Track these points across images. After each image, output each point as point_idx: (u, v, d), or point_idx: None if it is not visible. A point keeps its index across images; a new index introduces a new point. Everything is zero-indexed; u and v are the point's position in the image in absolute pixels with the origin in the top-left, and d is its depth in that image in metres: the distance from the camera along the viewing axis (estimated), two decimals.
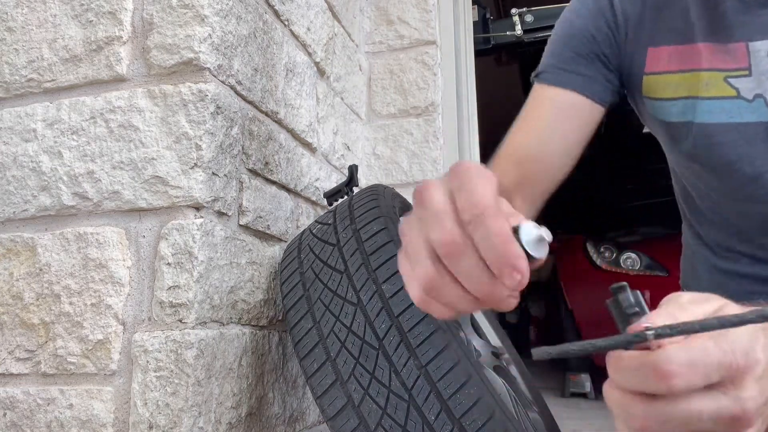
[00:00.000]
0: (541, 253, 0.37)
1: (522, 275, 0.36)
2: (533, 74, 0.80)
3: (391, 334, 0.60)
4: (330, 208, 0.87)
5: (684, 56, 0.71)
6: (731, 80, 0.68)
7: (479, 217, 0.36)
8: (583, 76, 0.76)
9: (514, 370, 0.97)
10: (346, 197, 0.94)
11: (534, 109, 0.79)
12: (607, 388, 0.37)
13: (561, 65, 0.77)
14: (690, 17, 0.70)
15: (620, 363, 0.36)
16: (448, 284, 0.38)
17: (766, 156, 0.67)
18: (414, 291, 0.39)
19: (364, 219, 0.72)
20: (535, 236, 0.37)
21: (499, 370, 0.86)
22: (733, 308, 0.37)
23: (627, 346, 0.35)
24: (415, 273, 0.38)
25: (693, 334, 0.35)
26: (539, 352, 0.37)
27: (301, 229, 0.92)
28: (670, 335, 0.34)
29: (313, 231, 0.78)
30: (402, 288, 0.62)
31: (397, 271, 0.63)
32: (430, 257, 0.38)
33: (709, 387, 0.34)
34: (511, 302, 0.38)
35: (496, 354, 0.94)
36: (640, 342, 0.35)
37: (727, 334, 0.35)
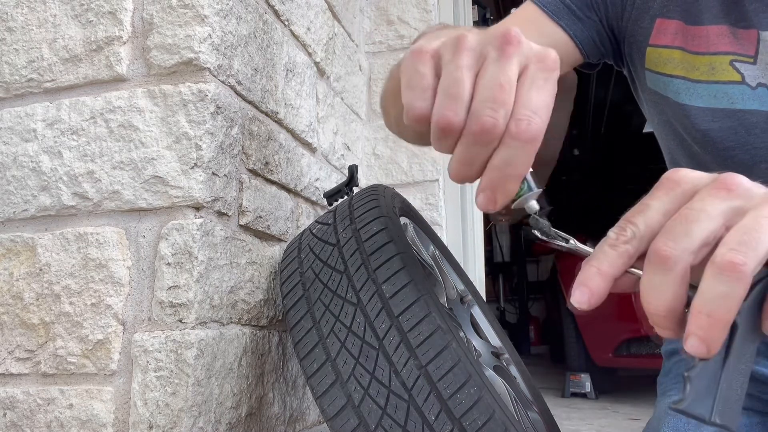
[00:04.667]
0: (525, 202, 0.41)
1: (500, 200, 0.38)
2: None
3: (391, 334, 0.60)
4: (330, 208, 0.87)
5: (688, 37, 0.69)
6: (737, 64, 0.66)
7: (528, 135, 0.36)
8: (578, 18, 0.74)
9: (514, 370, 0.97)
10: (346, 197, 0.94)
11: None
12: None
13: None
14: None
15: None
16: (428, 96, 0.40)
17: (765, 146, 0.66)
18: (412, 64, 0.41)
19: (364, 219, 0.72)
20: (534, 199, 0.41)
21: (499, 370, 0.86)
22: None
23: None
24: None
25: None
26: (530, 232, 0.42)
27: (301, 229, 0.92)
28: None
29: (313, 231, 0.78)
30: (402, 288, 0.62)
31: (398, 271, 0.63)
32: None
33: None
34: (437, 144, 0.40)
35: (496, 354, 0.94)
36: None
37: None
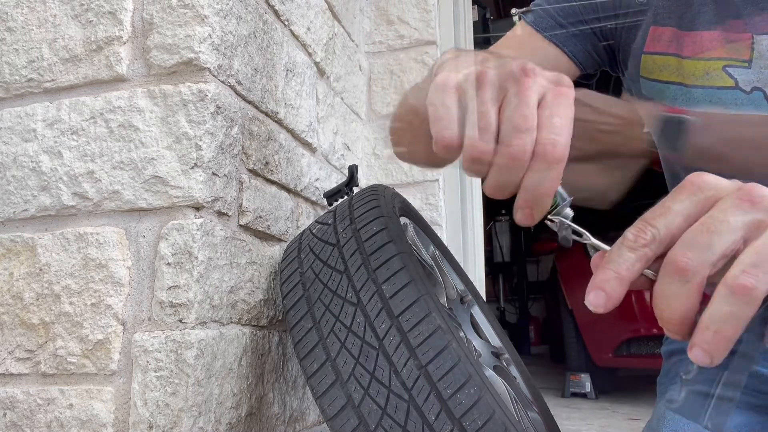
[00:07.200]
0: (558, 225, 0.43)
1: (531, 211, 0.40)
2: (520, 10, 0.80)
3: (391, 334, 0.60)
4: (330, 208, 0.87)
5: (683, 43, 0.70)
6: (729, 69, 0.67)
7: (555, 157, 0.39)
8: (571, 33, 0.75)
9: (514, 370, 0.97)
10: (346, 197, 0.94)
11: (512, 48, 0.77)
12: None
13: (551, 12, 0.76)
14: (694, 4, 0.69)
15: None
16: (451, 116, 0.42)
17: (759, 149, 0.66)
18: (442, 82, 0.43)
19: (364, 219, 0.72)
20: (568, 207, 0.43)
21: (499, 370, 0.86)
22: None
23: None
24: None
25: None
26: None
27: (301, 229, 0.92)
28: None
29: (313, 231, 0.78)
30: (402, 288, 0.62)
31: (398, 271, 0.63)
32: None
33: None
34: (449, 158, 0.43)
35: (496, 354, 0.94)
36: None
37: None
